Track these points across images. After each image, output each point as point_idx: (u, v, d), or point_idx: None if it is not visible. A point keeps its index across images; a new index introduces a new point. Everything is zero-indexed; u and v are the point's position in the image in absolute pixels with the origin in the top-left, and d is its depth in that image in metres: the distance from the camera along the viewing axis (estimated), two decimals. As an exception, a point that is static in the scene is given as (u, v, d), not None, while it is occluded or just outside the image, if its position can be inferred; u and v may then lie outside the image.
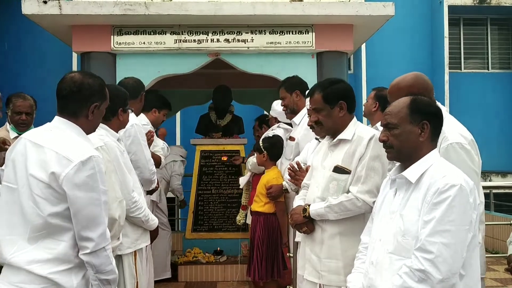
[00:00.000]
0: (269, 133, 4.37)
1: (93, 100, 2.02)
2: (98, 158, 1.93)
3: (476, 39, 11.55)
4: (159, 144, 4.34)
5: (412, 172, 1.88)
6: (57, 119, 2.00)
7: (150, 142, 4.15)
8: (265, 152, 4.07)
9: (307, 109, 3.23)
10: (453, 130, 2.20)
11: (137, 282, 2.72)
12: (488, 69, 11.48)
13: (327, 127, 2.54)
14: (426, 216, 1.77)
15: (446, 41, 10.63)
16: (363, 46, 9.84)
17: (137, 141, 3.33)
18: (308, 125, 3.11)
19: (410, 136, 1.91)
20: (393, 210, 1.91)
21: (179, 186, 5.77)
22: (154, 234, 2.95)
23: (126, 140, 3.34)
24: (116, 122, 2.81)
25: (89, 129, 2.06)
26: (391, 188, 1.98)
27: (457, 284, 1.77)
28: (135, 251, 2.77)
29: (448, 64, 10.59)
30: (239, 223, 4.96)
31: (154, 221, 2.88)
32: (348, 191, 2.40)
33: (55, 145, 1.89)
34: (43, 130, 2.00)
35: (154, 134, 4.25)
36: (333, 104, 2.50)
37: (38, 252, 1.84)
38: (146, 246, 2.95)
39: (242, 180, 4.69)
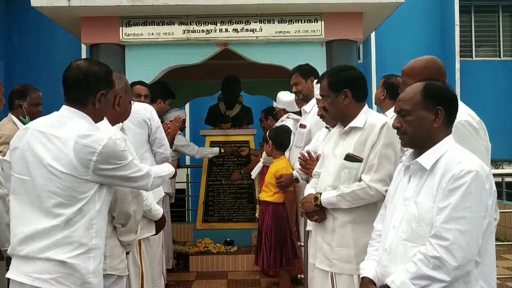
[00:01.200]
0: (278, 124, 4.36)
1: (100, 88, 2.00)
2: (115, 139, 1.98)
3: (488, 27, 11.38)
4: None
5: (426, 159, 1.86)
6: (65, 108, 1.98)
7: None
8: (270, 142, 4.07)
9: (316, 98, 3.21)
10: (461, 109, 2.17)
11: (142, 271, 2.72)
12: (500, 56, 11.33)
13: (332, 115, 2.55)
14: (442, 203, 1.75)
15: (457, 29, 10.49)
16: (373, 35, 9.74)
17: (159, 122, 3.72)
18: (318, 114, 3.10)
19: (423, 122, 1.88)
20: (407, 197, 1.89)
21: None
22: (159, 224, 2.94)
23: (152, 121, 3.68)
24: (115, 113, 2.78)
25: (96, 118, 2.04)
26: (405, 175, 1.96)
27: (473, 271, 1.76)
28: (139, 240, 2.76)
29: (459, 52, 10.45)
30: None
31: (157, 211, 2.86)
32: (360, 179, 2.38)
33: (72, 134, 1.88)
34: (53, 120, 1.98)
35: (168, 127, 4.33)
36: (337, 92, 2.47)
37: (53, 239, 1.84)
38: (153, 235, 2.96)
39: (254, 172, 4.66)
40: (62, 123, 1.93)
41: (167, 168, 2.39)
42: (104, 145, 1.89)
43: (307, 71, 3.84)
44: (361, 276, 2.03)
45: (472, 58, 11.14)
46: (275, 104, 4.61)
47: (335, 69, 2.58)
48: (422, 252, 1.75)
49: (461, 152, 1.84)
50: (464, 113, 2.20)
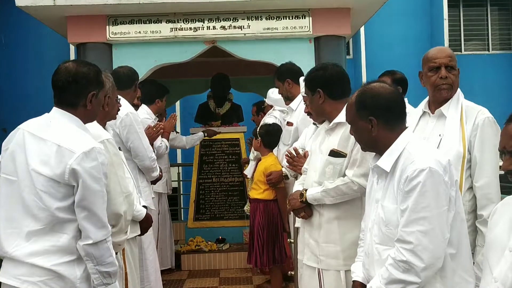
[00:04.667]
0: (267, 119, 4.36)
1: (90, 89, 1.98)
2: (100, 149, 1.92)
3: (476, 20, 11.43)
4: (157, 143, 4.34)
5: (385, 161, 1.87)
6: (55, 110, 1.97)
7: (156, 136, 4.17)
8: (260, 138, 4.07)
9: (303, 96, 3.22)
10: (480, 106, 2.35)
11: (126, 273, 2.70)
12: (488, 50, 11.39)
13: (313, 113, 2.59)
14: (402, 205, 1.77)
15: (446, 23, 10.53)
16: (362, 30, 9.76)
17: (133, 129, 3.36)
18: (305, 112, 3.11)
19: (363, 132, 1.93)
20: (377, 199, 1.91)
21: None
22: (144, 225, 2.91)
23: (122, 130, 3.36)
24: (103, 112, 2.76)
25: (88, 119, 2.03)
26: (373, 176, 1.98)
27: (448, 264, 1.77)
28: None
29: (448, 46, 10.50)
30: (248, 213, 4.94)
31: (139, 212, 2.82)
32: (344, 175, 2.38)
33: (57, 137, 1.87)
34: (42, 122, 1.97)
35: (162, 127, 4.26)
36: (313, 91, 2.51)
37: (41, 244, 1.84)
38: (139, 235, 2.93)
39: (249, 171, 4.61)
40: (50, 126, 1.92)
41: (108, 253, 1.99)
42: (85, 151, 1.85)
43: (282, 74, 3.90)
44: (352, 279, 2.04)
45: (461, 52, 11.19)
46: (266, 100, 4.61)
47: (312, 69, 2.63)
48: (391, 256, 1.77)
49: (414, 150, 1.82)
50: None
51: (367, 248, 1.93)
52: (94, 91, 1.99)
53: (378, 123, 1.87)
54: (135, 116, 3.41)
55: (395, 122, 1.90)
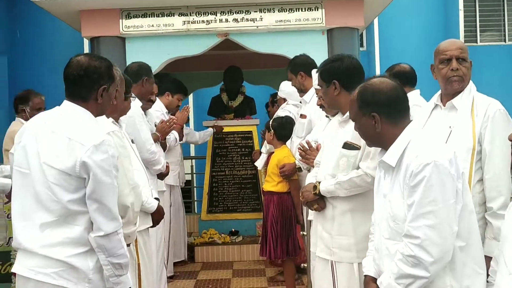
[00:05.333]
0: (280, 112, 4.35)
1: (102, 83, 1.99)
2: (110, 142, 1.93)
3: (492, 11, 11.23)
4: (170, 137, 4.37)
5: (390, 156, 1.86)
6: (66, 103, 1.98)
7: (169, 131, 4.20)
8: (272, 131, 4.07)
9: (315, 88, 3.21)
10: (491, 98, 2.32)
11: (138, 263, 2.73)
12: (505, 41, 11.18)
13: (327, 105, 2.56)
14: (408, 200, 1.76)
15: (461, 14, 10.37)
16: (376, 22, 9.65)
17: (131, 121, 3.36)
18: (318, 104, 3.10)
19: (367, 129, 1.93)
20: (385, 194, 1.90)
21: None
22: (155, 217, 2.94)
23: (122, 123, 3.38)
24: (112, 106, 2.76)
25: (98, 112, 2.04)
26: (380, 171, 1.97)
27: (457, 257, 1.76)
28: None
29: (463, 37, 10.34)
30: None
31: (151, 204, 2.85)
32: (358, 167, 2.37)
33: (67, 130, 1.88)
34: (53, 116, 1.99)
35: (174, 122, 4.27)
36: (328, 83, 2.49)
37: (54, 236, 1.86)
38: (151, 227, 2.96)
39: (259, 162, 4.62)
40: (61, 119, 1.94)
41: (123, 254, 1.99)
42: (95, 144, 1.86)
43: (295, 67, 3.88)
44: (363, 274, 2.04)
45: (476, 43, 11.01)
46: (279, 93, 4.61)
47: (327, 60, 2.60)
48: (400, 251, 1.76)
49: (419, 144, 1.81)
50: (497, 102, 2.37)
51: (377, 243, 1.93)
52: (105, 85, 2.00)
53: (381, 119, 1.87)
54: (135, 109, 3.43)
55: (398, 117, 1.89)
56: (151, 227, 2.97)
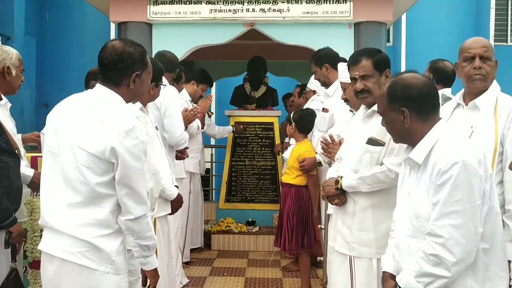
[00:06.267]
0: (311, 104, 4.31)
1: (134, 69, 1.99)
2: (141, 127, 1.96)
3: (525, 10, 10.93)
4: (193, 125, 4.40)
5: (417, 153, 1.84)
6: (99, 87, 1.99)
7: (193, 119, 4.24)
8: (293, 123, 4.05)
9: (341, 82, 3.18)
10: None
11: (156, 249, 2.77)
12: (537, 41, 10.90)
13: (376, 95, 2.40)
14: (433, 198, 1.73)
15: (492, 12, 10.12)
16: (404, 17, 9.49)
17: (170, 108, 3.52)
18: (342, 98, 3.08)
19: (396, 124, 1.90)
20: (409, 191, 1.88)
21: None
22: (175, 205, 2.97)
23: (162, 105, 3.50)
24: (146, 95, 2.80)
25: (130, 98, 2.05)
26: (406, 168, 1.94)
27: (480, 259, 1.74)
28: (155, 219, 2.80)
29: (493, 36, 10.10)
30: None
31: (171, 191, 2.88)
32: (381, 163, 2.35)
33: (99, 114, 1.90)
34: (86, 98, 2.01)
35: (199, 111, 4.32)
36: (381, 71, 2.46)
37: (80, 217, 1.89)
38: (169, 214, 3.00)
39: (288, 154, 4.54)
40: (93, 102, 1.96)
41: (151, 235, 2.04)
42: (126, 130, 1.87)
43: (320, 59, 3.85)
44: (381, 271, 2.03)
45: (507, 42, 10.74)
46: (308, 85, 4.58)
47: (372, 50, 2.55)
48: (422, 249, 1.75)
49: (448, 142, 1.78)
50: None
51: (397, 240, 1.92)
52: (138, 71, 2.01)
53: (411, 115, 1.84)
54: (172, 95, 3.59)
55: (428, 113, 1.86)
56: (169, 214, 3.00)
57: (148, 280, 2.06)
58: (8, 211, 2.24)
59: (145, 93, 2.53)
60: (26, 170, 2.63)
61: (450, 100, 2.59)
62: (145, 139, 1.99)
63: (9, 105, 2.73)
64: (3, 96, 2.66)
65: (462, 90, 2.48)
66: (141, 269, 2.06)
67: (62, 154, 1.92)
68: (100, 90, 1.99)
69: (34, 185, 2.62)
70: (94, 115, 1.91)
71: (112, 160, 1.87)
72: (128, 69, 1.98)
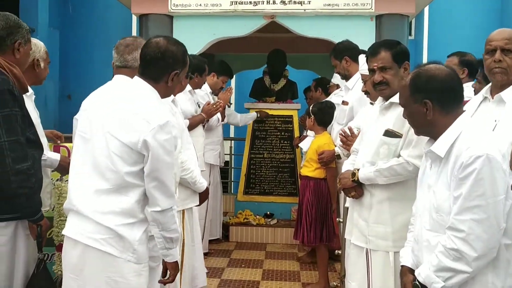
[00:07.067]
0: (333, 98, 4.29)
1: (175, 68, 2.04)
2: (174, 122, 1.99)
3: (554, 3, 10.63)
4: (213, 117, 4.44)
5: (439, 146, 1.81)
6: (138, 80, 2.03)
7: (215, 113, 4.28)
8: (312, 116, 4.04)
9: (361, 74, 3.16)
10: None
11: (183, 239, 2.82)
12: None
13: (394, 87, 2.40)
14: (455, 192, 1.71)
15: (519, 5, 9.87)
16: (426, 10, 9.34)
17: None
18: (363, 90, 3.05)
19: (417, 116, 1.87)
20: (430, 184, 1.85)
21: None
22: (203, 196, 3.02)
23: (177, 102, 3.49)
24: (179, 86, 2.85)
25: (166, 94, 2.10)
26: (427, 161, 1.92)
27: (502, 255, 1.71)
28: (183, 210, 2.86)
29: (520, 29, 9.87)
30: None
31: (202, 184, 2.93)
32: (399, 155, 2.34)
33: (135, 106, 1.94)
34: (122, 88, 2.06)
35: (221, 105, 4.35)
36: (400, 64, 2.44)
37: (106, 204, 1.92)
38: (196, 206, 3.05)
39: (305, 144, 4.40)
40: (130, 94, 2.00)
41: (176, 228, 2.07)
42: (160, 124, 1.90)
43: (339, 52, 3.83)
44: (400, 264, 2.01)
45: (534, 36, 10.48)
46: (332, 80, 4.55)
47: (391, 42, 2.52)
48: (442, 243, 1.73)
49: (472, 135, 1.75)
50: None
51: (417, 234, 1.90)
52: (177, 70, 2.05)
53: (434, 107, 1.82)
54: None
55: (451, 106, 1.83)
56: (197, 205, 3.05)
57: (168, 272, 2.09)
58: (40, 205, 2.30)
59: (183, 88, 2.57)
60: (52, 154, 2.71)
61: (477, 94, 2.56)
62: (177, 134, 2.02)
63: (34, 96, 2.80)
64: (29, 88, 2.72)
65: (490, 84, 2.44)
66: (162, 260, 2.09)
67: (94, 141, 1.96)
68: (138, 82, 2.03)
69: (62, 168, 2.69)
70: (130, 106, 1.94)
71: (144, 152, 1.90)
72: (169, 67, 2.03)
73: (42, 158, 2.45)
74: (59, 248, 3.08)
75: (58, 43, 7.88)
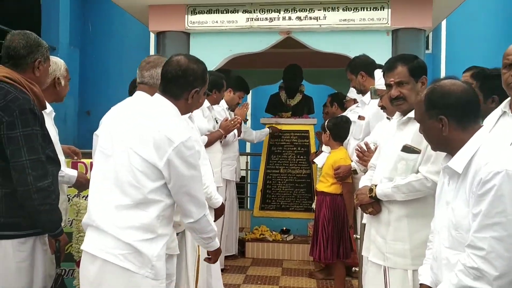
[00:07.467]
0: (349, 114, 4.27)
1: (195, 85, 2.07)
2: (196, 138, 2.03)
3: None
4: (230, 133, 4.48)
5: (457, 162, 1.77)
6: (159, 97, 2.06)
7: (233, 129, 4.30)
8: (328, 131, 4.02)
9: (377, 89, 3.14)
10: None
11: (198, 255, 2.80)
12: None
13: (411, 102, 2.37)
14: (474, 209, 1.67)
15: (539, 18, 9.75)
16: (443, 24, 9.28)
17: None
18: (379, 105, 3.03)
19: (433, 132, 1.84)
20: (448, 201, 1.82)
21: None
22: (218, 212, 3.01)
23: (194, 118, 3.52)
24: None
25: (186, 111, 2.14)
26: (444, 177, 1.88)
27: None
28: None
29: (539, 43, 9.73)
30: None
31: (217, 199, 2.93)
32: (417, 171, 2.30)
33: (158, 123, 1.95)
34: (144, 105, 2.09)
35: (239, 122, 4.37)
36: (417, 78, 2.42)
37: (126, 219, 1.93)
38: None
39: (320, 160, 4.43)
40: (152, 111, 2.02)
41: (213, 228, 2.21)
42: (183, 141, 1.93)
43: (355, 67, 3.82)
44: (419, 282, 1.97)
45: (554, 49, 10.32)
46: (348, 94, 4.55)
47: (408, 56, 2.50)
48: (462, 262, 1.68)
49: (490, 150, 1.71)
50: None
51: (435, 252, 1.86)
52: (197, 87, 2.08)
53: (450, 123, 1.79)
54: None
55: (468, 121, 1.80)
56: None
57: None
58: (61, 220, 2.33)
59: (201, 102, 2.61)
60: (70, 170, 2.75)
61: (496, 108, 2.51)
62: (199, 148, 2.04)
63: (53, 114, 2.85)
64: (48, 105, 2.77)
65: (509, 98, 2.40)
66: None
67: (116, 157, 1.98)
68: (159, 100, 2.06)
69: (79, 184, 2.73)
70: (152, 123, 1.96)
71: (166, 170, 1.93)
72: (189, 85, 2.06)
73: (60, 174, 2.48)
74: (79, 264, 3.10)
75: (78, 60, 8.03)
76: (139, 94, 2.24)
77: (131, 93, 3.86)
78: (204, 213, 2.07)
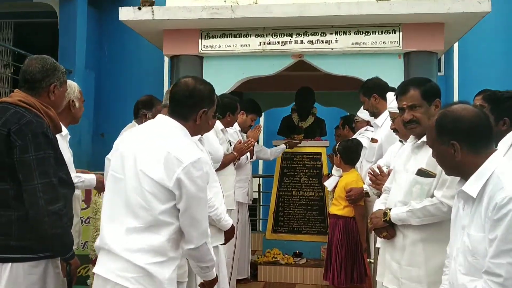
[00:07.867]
0: (359, 138, 4.27)
1: (202, 106, 2.10)
2: (205, 159, 2.04)
3: None
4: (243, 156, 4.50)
5: (471, 186, 1.76)
6: (168, 119, 2.09)
7: (246, 151, 4.32)
8: (339, 155, 4.02)
9: (390, 111, 3.14)
10: None
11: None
12: None
13: (424, 125, 2.36)
14: (490, 234, 1.64)
15: (552, 40, 9.70)
16: (456, 46, 9.27)
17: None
18: (391, 128, 3.03)
19: (446, 157, 1.83)
20: (463, 226, 1.79)
21: None
22: (228, 235, 2.99)
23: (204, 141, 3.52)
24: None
25: (195, 132, 2.16)
26: (459, 201, 1.86)
27: None
28: None
29: (553, 65, 9.66)
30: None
31: (227, 221, 2.92)
32: (432, 196, 2.28)
33: (167, 144, 1.98)
34: (154, 127, 2.11)
35: (252, 144, 4.39)
36: (430, 101, 2.41)
37: (137, 242, 1.93)
38: (221, 245, 3.02)
39: (330, 183, 4.47)
40: (162, 133, 2.05)
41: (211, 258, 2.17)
42: (192, 161, 1.94)
43: (368, 90, 3.82)
44: None
45: None
46: (358, 114, 4.54)
47: (420, 80, 2.51)
48: None
49: (505, 175, 1.69)
50: None
51: (451, 277, 1.83)
52: (205, 108, 2.11)
53: (462, 148, 1.78)
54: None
55: (480, 145, 1.79)
56: (222, 244, 3.02)
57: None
58: (72, 244, 2.34)
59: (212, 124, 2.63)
60: (87, 175, 2.82)
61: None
62: (209, 170, 2.05)
63: (69, 137, 2.89)
64: (64, 128, 2.82)
65: None
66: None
67: (127, 179, 1.99)
68: (168, 122, 2.09)
69: (100, 185, 2.81)
70: (162, 144, 1.98)
71: (176, 190, 1.93)
72: (197, 105, 2.09)
73: (79, 180, 2.52)
74: (95, 262, 3.10)
75: (93, 83, 8.16)
76: (158, 117, 2.27)
77: (135, 114, 3.92)
78: (205, 240, 2.04)
